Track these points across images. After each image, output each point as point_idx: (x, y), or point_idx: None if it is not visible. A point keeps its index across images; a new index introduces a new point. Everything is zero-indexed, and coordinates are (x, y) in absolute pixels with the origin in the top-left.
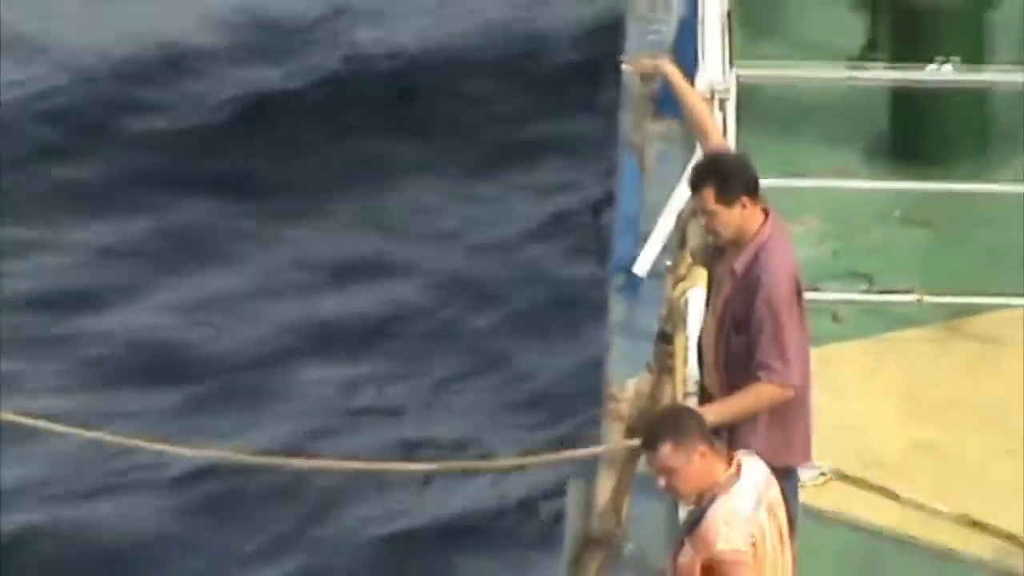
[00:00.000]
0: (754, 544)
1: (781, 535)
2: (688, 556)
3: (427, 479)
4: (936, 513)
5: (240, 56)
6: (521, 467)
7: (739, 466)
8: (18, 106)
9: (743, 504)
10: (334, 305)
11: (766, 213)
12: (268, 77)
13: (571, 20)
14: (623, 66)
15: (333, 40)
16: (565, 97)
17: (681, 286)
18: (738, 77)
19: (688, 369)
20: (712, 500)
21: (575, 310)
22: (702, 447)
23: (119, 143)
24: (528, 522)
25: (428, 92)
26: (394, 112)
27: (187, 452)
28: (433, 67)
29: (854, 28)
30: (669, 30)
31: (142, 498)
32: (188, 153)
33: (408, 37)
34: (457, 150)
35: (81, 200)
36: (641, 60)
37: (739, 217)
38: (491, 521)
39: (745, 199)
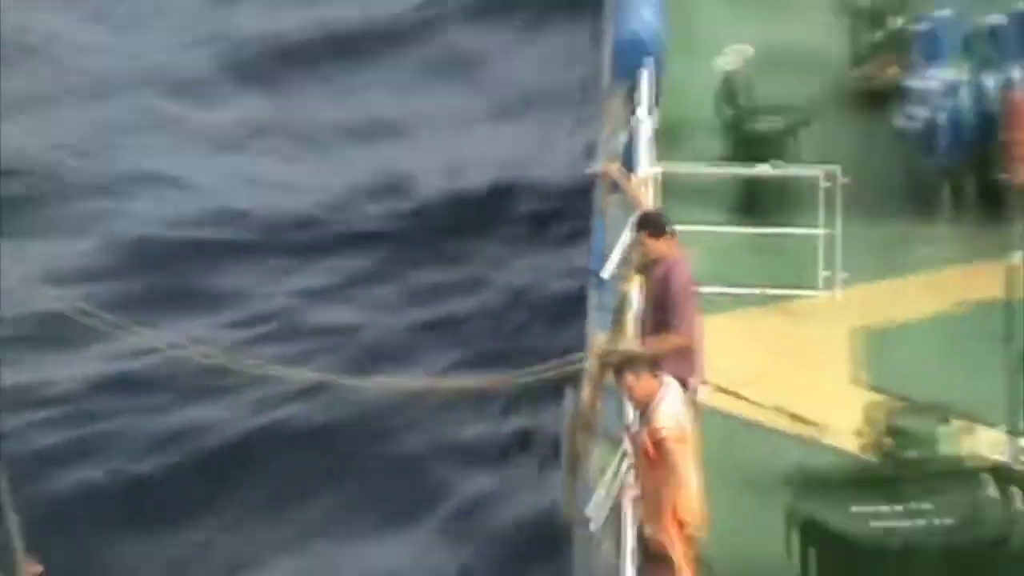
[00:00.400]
0: (680, 425)
1: (691, 421)
2: (643, 434)
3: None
4: (768, 408)
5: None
6: (536, 376)
7: (665, 381)
8: None
9: (674, 402)
10: None
11: (675, 244)
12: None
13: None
14: (589, 170)
15: None
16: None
17: (627, 285)
18: (660, 171)
19: (630, 329)
20: (655, 401)
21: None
22: (647, 371)
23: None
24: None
25: None
26: None
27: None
28: None
29: (721, 143)
30: (620, 143)
31: None
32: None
33: None
34: None
35: None
36: (601, 166)
37: (661, 246)
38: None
39: (664, 237)
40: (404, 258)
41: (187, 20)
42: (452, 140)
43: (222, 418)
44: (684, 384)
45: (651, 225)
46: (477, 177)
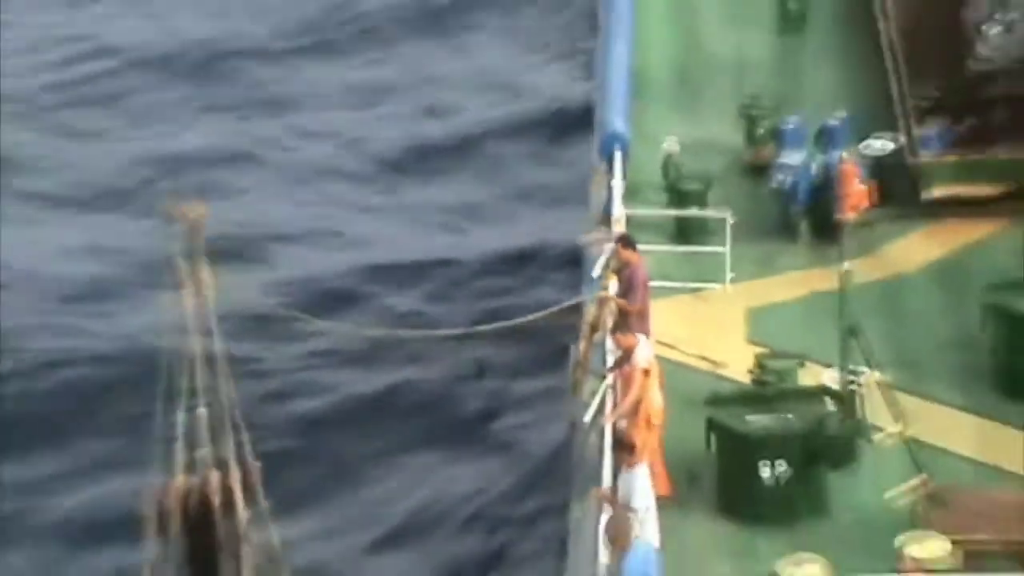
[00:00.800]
0: (650, 363)
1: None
2: (627, 368)
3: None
4: (693, 356)
5: None
6: (552, 316)
7: (638, 337)
8: None
9: (645, 349)
10: None
11: (637, 255)
12: None
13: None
14: (581, 239)
15: None
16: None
17: (607, 280)
18: (627, 212)
19: (609, 306)
20: (634, 349)
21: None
22: (628, 331)
23: None
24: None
25: None
26: None
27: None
28: None
29: (663, 196)
30: (603, 198)
31: None
32: None
33: None
34: None
35: None
36: (589, 236)
37: (630, 256)
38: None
39: (631, 250)
40: None
41: None
42: None
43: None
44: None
45: (625, 242)
46: None
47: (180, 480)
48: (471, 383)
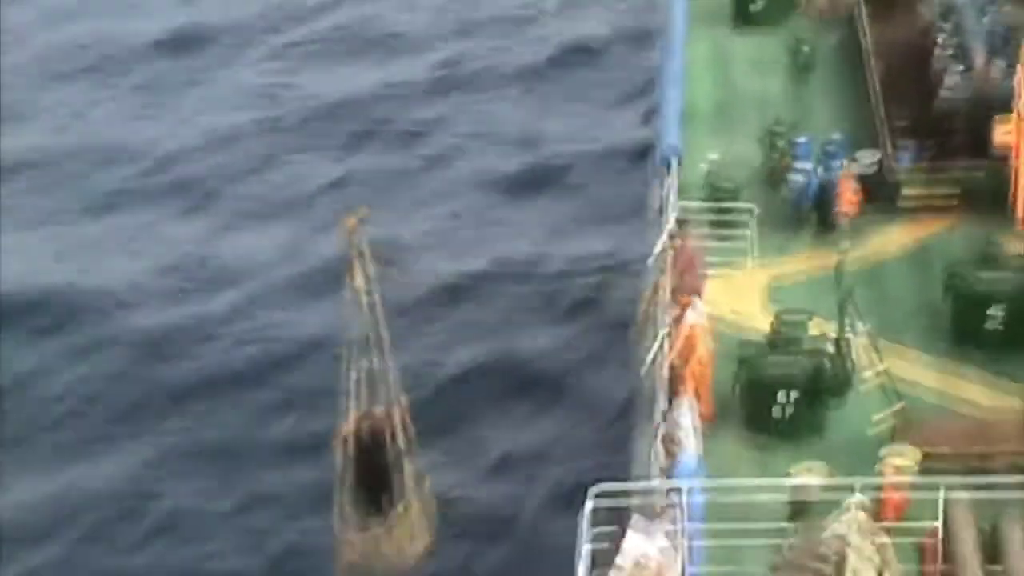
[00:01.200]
0: (702, 319)
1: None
2: (684, 323)
3: None
4: (729, 316)
5: None
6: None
7: (693, 300)
8: None
9: (699, 309)
10: None
11: (690, 236)
12: None
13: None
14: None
15: None
16: None
17: (666, 256)
18: (680, 206)
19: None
20: (690, 307)
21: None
22: (686, 295)
23: None
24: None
25: None
26: None
27: None
28: None
29: (705, 194)
30: (660, 198)
31: None
32: None
33: None
34: None
35: None
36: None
37: (684, 237)
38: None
39: (686, 233)
40: None
41: None
42: None
43: None
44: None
45: (681, 226)
46: None
47: (356, 418)
48: (559, 352)
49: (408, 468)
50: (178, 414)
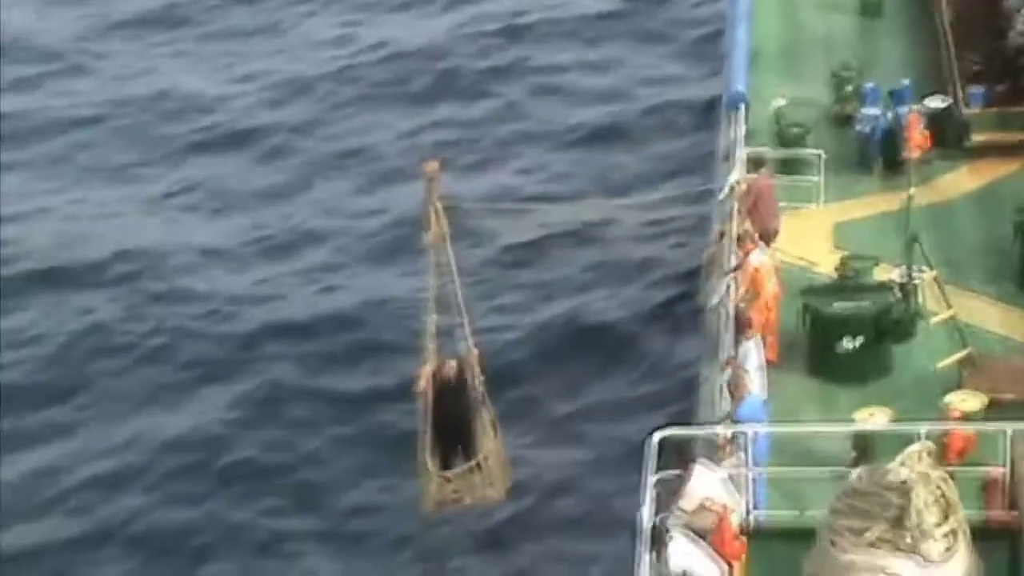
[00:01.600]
0: (764, 261)
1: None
2: (746, 267)
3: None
4: (795, 258)
5: None
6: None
7: (759, 243)
8: None
9: (763, 251)
10: None
11: (763, 176)
12: None
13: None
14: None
15: None
16: None
17: (732, 197)
18: (747, 151)
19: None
20: (753, 252)
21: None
22: (749, 241)
23: None
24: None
25: None
26: None
27: None
28: None
29: (774, 139)
30: (729, 142)
31: None
32: None
33: None
34: None
35: None
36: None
37: (757, 177)
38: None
39: (759, 172)
40: None
41: None
42: None
43: None
44: (768, 241)
45: (754, 163)
46: None
47: (435, 364)
48: (628, 308)
49: (485, 415)
50: (252, 366)
